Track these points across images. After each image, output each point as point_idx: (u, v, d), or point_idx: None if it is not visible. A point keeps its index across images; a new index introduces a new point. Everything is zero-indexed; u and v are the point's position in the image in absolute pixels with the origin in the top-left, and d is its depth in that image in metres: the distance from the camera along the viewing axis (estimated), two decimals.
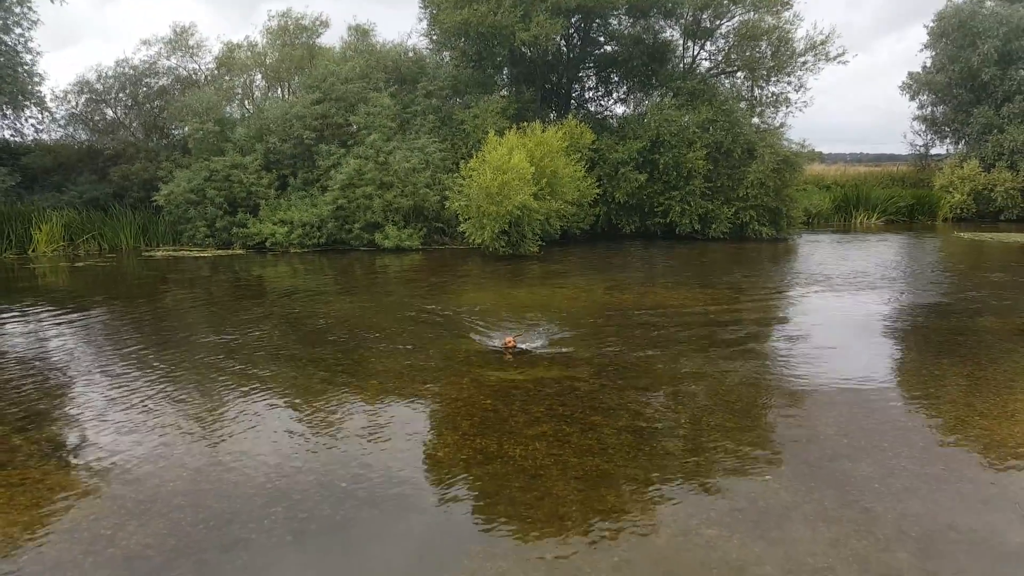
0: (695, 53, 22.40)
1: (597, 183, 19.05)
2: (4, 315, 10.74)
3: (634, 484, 5.02)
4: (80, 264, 16.11)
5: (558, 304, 11.64)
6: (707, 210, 19.93)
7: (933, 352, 8.58)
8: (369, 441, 5.82)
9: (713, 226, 19.92)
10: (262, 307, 11.69)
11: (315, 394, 7.02)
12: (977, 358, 8.13)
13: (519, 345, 8.21)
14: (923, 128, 31.06)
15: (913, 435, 5.95)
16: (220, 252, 17.72)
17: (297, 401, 6.82)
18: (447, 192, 17.58)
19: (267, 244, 17.75)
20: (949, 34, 27.95)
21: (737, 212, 19.95)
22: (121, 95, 21.13)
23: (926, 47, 29.50)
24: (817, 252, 18.88)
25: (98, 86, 20.89)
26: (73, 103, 21.10)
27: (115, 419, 6.29)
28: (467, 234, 16.84)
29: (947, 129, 30.23)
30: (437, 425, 6.21)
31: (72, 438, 5.96)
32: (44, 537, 4.31)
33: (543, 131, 17.66)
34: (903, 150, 32.98)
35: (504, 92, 22.08)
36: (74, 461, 5.47)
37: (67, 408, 6.70)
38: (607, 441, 5.76)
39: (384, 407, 6.63)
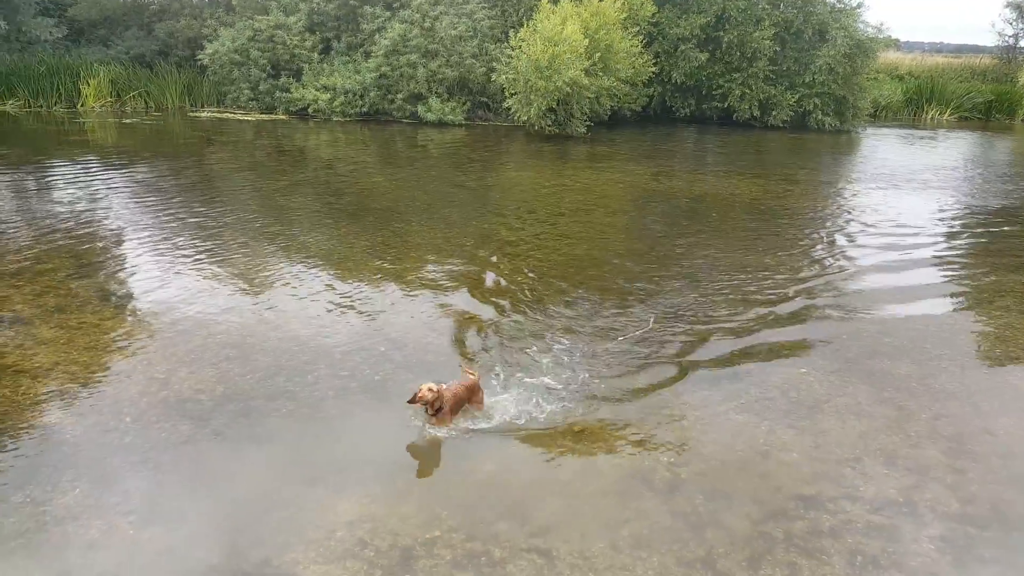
0: None
1: (654, 60, 17.92)
2: (58, 169, 10.98)
3: (666, 367, 5.05)
4: (128, 121, 16.20)
5: (601, 189, 11.34)
6: (769, 95, 18.73)
7: (991, 257, 8.18)
8: (406, 310, 5.93)
9: (773, 113, 18.80)
10: (305, 174, 11.69)
11: (355, 262, 7.12)
12: None
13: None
14: (1014, 16, 27.92)
15: (959, 339, 5.80)
16: (263, 116, 17.57)
17: (338, 268, 6.93)
18: (494, 64, 16.78)
19: (309, 110, 17.49)
20: None
21: (801, 99, 18.71)
22: None
23: None
24: (882, 147, 17.80)
25: None
26: None
27: (164, 272, 6.52)
28: (512, 110, 16.24)
29: None
30: (472, 298, 6.26)
31: (124, 287, 6.21)
32: (102, 376, 4.60)
33: (600, 0, 16.44)
34: (989, 41, 30.03)
35: None
36: (127, 309, 5.73)
37: (118, 259, 6.94)
38: (636, 320, 5.76)
39: (421, 279, 6.70)
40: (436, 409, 4.03)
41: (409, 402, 4.04)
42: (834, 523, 3.50)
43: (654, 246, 8.10)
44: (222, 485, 3.65)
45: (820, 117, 18.87)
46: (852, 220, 9.76)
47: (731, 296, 6.52)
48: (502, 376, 4.77)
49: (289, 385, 4.58)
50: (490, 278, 6.77)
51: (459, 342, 5.34)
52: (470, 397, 4.27)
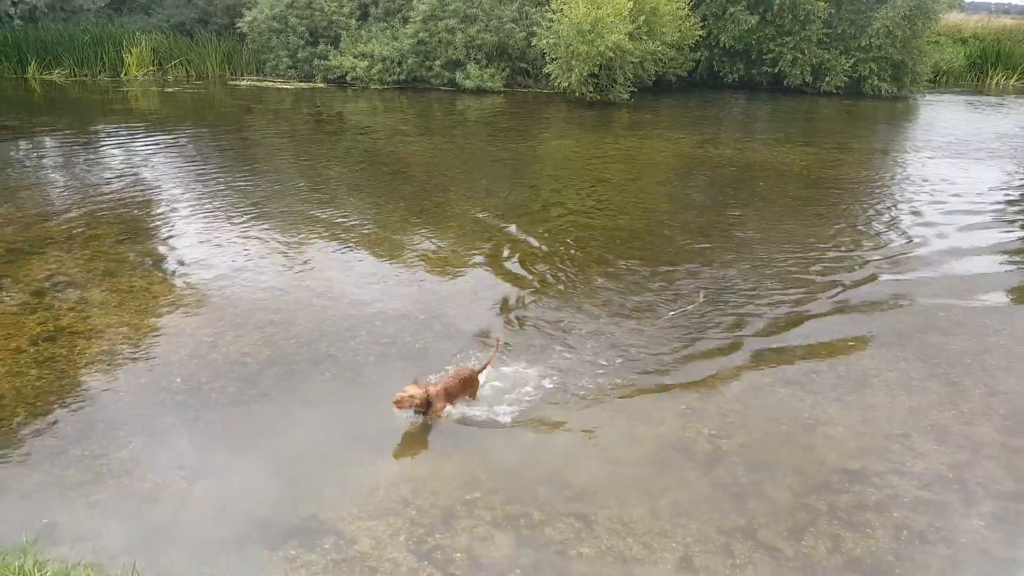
0: None
1: (701, 23, 17.34)
2: (104, 137, 11.25)
3: (713, 340, 4.97)
4: (170, 90, 16.45)
5: (646, 157, 11.11)
6: (822, 60, 17.96)
7: None
8: (446, 280, 5.95)
9: (827, 79, 18.02)
10: (343, 143, 11.74)
11: (394, 232, 7.15)
12: None
13: None
14: None
15: (1018, 314, 5.56)
16: (302, 84, 17.64)
17: (378, 237, 6.97)
18: (535, 28, 16.46)
19: (347, 78, 17.49)
20: None
21: (856, 64, 17.89)
22: None
23: None
24: (944, 114, 16.99)
25: None
26: None
27: (209, 238, 6.65)
28: (553, 76, 15.95)
29: None
30: (512, 269, 6.24)
31: (171, 253, 6.35)
32: (154, 339, 4.74)
33: None
34: None
35: None
36: (175, 274, 5.87)
37: (164, 225, 7.09)
38: (682, 293, 5.67)
39: (460, 249, 6.70)
40: (425, 408, 3.84)
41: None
42: (880, 497, 3.42)
43: (701, 216, 7.92)
44: (269, 444, 3.75)
45: (876, 83, 18.05)
46: (907, 190, 9.37)
47: (780, 268, 6.35)
48: (541, 348, 4.76)
49: (332, 350, 4.66)
50: (531, 249, 6.73)
51: (499, 313, 5.34)
52: (464, 388, 4.07)
